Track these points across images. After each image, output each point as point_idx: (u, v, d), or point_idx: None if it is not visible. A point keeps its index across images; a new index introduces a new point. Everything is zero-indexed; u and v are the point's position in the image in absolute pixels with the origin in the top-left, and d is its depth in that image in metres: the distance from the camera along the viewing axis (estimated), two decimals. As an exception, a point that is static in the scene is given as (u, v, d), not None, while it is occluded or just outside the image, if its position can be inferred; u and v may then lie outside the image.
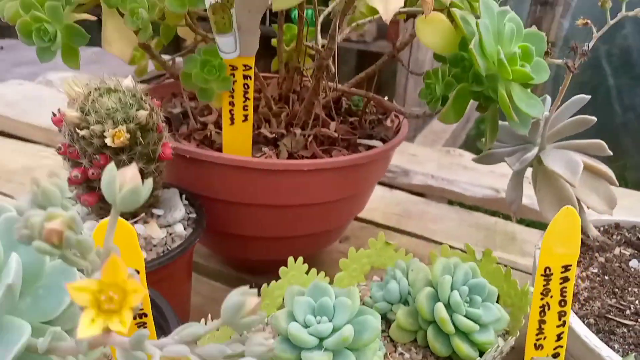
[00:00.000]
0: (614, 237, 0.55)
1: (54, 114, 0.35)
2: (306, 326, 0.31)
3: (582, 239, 0.51)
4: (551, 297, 0.34)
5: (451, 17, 0.43)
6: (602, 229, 0.55)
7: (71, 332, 0.21)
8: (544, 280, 0.34)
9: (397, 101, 0.64)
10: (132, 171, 0.16)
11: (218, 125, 0.52)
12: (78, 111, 0.33)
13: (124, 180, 0.16)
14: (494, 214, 0.81)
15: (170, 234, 0.41)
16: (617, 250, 0.52)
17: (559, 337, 0.35)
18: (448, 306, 0.38)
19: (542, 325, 0.34)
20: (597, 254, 0.51)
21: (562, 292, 0.34)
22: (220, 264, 0.61)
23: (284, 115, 0.56)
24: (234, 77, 0.44)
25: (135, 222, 0.40)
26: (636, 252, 0.52)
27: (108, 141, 0.33)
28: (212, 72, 0.43)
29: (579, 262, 0.49)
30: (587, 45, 0.44)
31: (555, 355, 0.35)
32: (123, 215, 0.39)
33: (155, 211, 0.42)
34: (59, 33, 0.39)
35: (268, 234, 0.50)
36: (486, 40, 0.39)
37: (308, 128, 0.54)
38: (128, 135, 0.33)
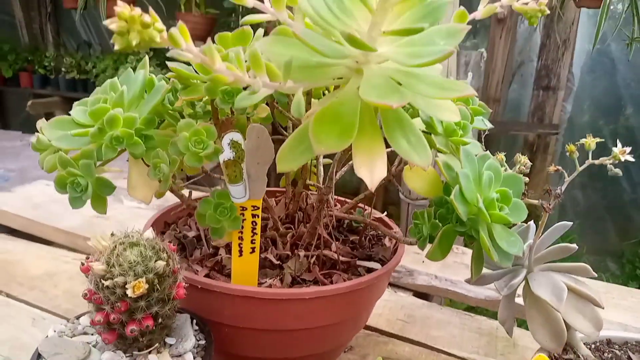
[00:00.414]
0: (605, 354, 0.57)
1: (82, 263, 0.40)
2: None
3: (572, 358, 0.54)
4: None
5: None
6: (593, 346, 0.58)
7: None
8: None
9: (402, 211, 0.69)
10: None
11: (229, 248, 0.57)
12: (104, 264, 0.38)
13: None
14: (496, 314, 0.83)
15: (182, 364, 0.45)
16: (605, 370, 0.54)
17: None
18: None
19: None
20: (585, 375, 0.53)
21: None
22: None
23: (290, 235, 0.60)
24: (243, 216, 0.49)
25: (150, 352, 0.44)
26: (624, 371, 0.54)
27: (129, 292, 0.37)
28: (224, 213, 0.48)
29: (568, 382, 0.52)
30: (560, 189, 0.48)
31: None
32: (139, 347, 0.43)
33: (168, 340, 0.46)
34: (90, 185, 0.45)
35: (273, 355, 0.54)
36: (466, 188, 0.44)
37: (312, 249, 0.58)
38: (147, 286, 0.38)
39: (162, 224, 0.65)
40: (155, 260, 0.39)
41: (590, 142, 0.52)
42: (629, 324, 0.79)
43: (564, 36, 3.14)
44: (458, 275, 0.94)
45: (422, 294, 0.93)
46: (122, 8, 0.26)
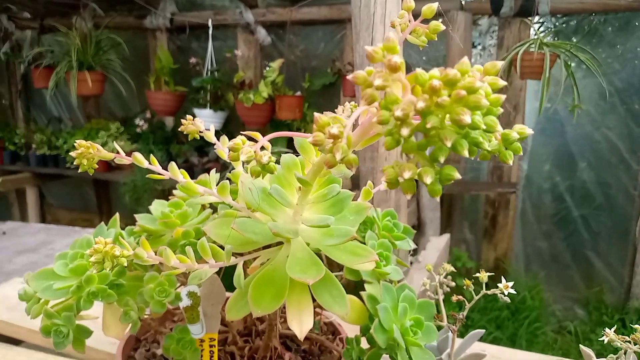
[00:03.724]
0: None
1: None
2: None
3: None
4: None
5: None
6: None
7: None
8: None
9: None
10: None
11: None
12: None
13: None
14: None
15: None
16: None
17: None
18: None
19: None
20: None
21: None
22: None
23: (247, 349, 0.69)
24: (202, 347, 0.58)
25: None
26: None
27: None
28: (185, 346, 0.57)
29: None
30: (463, 314, 0.59)
31: None
32: None
33: None
34: (71, 332, 0.54)
35: None
36: (384, 320, 0.54)
37: (266, 361, 0.67)
38: None
39: (134, 340, 0.73)
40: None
41: (483, 276, 0.62)
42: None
43: (514, 102, 3.36)
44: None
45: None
46: (99, 243, 0.36)
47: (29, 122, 4.23)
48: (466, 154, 0.26)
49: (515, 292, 0.62)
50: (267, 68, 3.12)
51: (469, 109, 0.23)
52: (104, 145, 3.48)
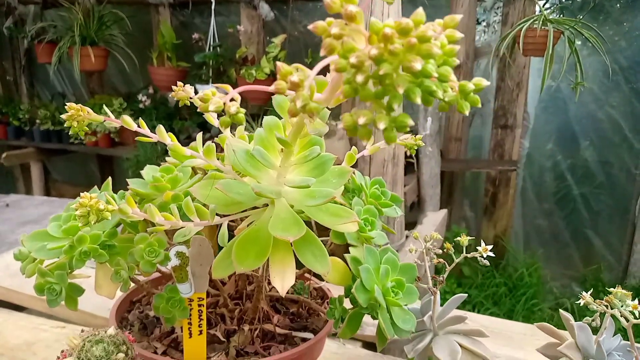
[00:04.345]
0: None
1: (58, 357, 0.51)
2: None
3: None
4: None
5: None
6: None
7: None
8: None
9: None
10: None
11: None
12: (76, 358, 0.49)
13: None
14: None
15: None
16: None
17: None
18: None
19: None
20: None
21: None
22: None
23: (237, 311, 0.72)
24: (190, 306, 0.60)
25: None
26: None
27: (96, 382, 0.48)
28: (175, 305, 0.59)
29: None
30: (443, 277, 0.61)
31: None
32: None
33: (131, 412, 0.57)
34: (63, 290, 0.56)
35: (221, 417, 0.64)
36: (366, 280, 0.56)
37: (255, 323, 0.70)
38: (110, 376, 0.49)
39: (128, 302, 0.76)
40: (117, 354, 0.50)
41: (464, 240, 0.64)
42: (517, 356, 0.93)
43: (517, 79, 3.34)
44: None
45: (373, 344, 1.05)
46: (84, 197, 0.38)
47: (32, 98, 4.25)
48: (419, 101, 0.27)
49: (490, 256, 0.64)
50: (270, 44, 3.11)
51: (421, 57, 0.25)
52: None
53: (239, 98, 0.36)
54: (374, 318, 0.60)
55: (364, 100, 0.26)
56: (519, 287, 3.08)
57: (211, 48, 3.22)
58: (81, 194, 0.40)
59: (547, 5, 3.16)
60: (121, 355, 0.51)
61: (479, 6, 3.44)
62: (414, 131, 3.25)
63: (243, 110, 0.36)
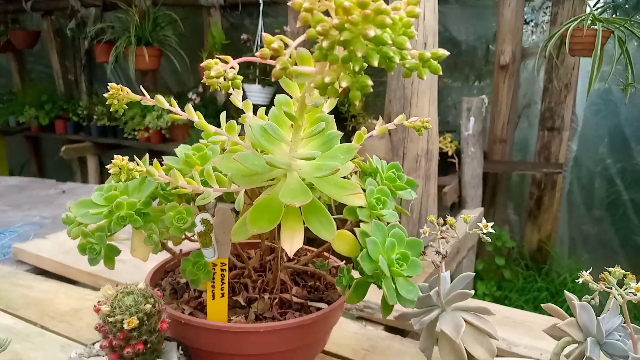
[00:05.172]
0: (506, 378, 0.72)
1: (95, 306, 0.58)
2: None
3: (472, 381, 0.69)
4: None
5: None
6: (496, 372, 0.73)
7: None
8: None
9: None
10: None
11: (210, 293, 0.75)
12: (109, 307, 0.56)
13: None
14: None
15: (167, 380, 0.62)
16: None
17: None
18: None
19: None
20: (480, 393, 0.68)
21: None
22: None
23: (260, 282, 0.78)
24: (214, 270, 0.67)
25: (144, 371, 0.62)
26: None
27: (125, 326, 0.55)
28: (200, 268, 0.66)
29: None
30: (446, 250, 0.65)
31: None
32: (136, 366, 0.61)
33: (158, 361, 0.64)
34: (102, 250, 0.63)
35: (240, 374, 0.70)
36: (372, 251, 0.61)
37: (274, 292, 0.76)
38: (137, 322, 0.55)
39: (162, 271, 0.83)
40: (145, 304, 0.57)
41: (467, 217, 0.68)
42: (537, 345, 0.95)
43: (566, 80, 3.29)
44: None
45: (399, 330, 1.09)
46: (116, 159, 0.45)
47: (91, 95, 4.48)
48: (376, 63, 0.32)
49: (491, 230, 0.67)
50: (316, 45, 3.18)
51: (375, 26, 0.29)
52: (158, 117, 3.66)
53: (237, 66, 0.42)
54: (379, 287, 0.65)
55: (332, 63, 0.31)
56: (561, 292, 3.03)
57: (258, 48, 3.32)
58: (114, 156, 0.47)
59: (599, 5, 3.10)
60: (149, 306, 0.57)
61: (527, 6, 3.40)
62: (455, 130, 3.25)
63: (240, 77, 0.42)
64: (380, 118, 0.69)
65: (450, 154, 3.02)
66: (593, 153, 3.43)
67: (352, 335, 1.01)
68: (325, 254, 0.87)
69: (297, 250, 0.90)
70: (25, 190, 2.05)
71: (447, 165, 3.05)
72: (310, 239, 0.71)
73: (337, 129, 0.66)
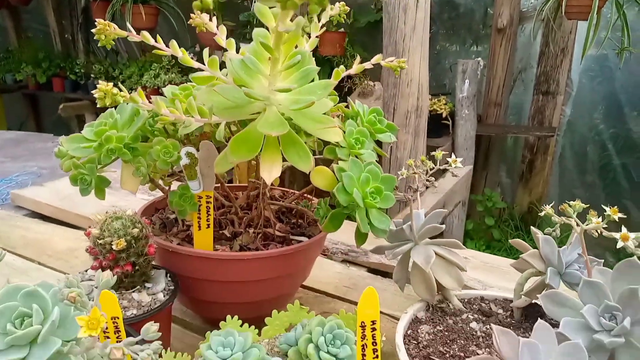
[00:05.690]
0: (474, 306, 0.77)
1: (86, 230, 0.63)
2: (216, 352, 0.56)
3: (442, 307, 0.74)
4: (366, 339, 0.57)
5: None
6: (465, 300, 0.78)
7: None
8: (362, 330, 0.57)
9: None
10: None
11: (197, 227, 0.79)
12: (99, 230, 0.61)
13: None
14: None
15: (154, 300, 0.67)
16: (465, 315, 0.74)
17: (374, 366, 0.58)
18: (317, 347, 0.61)
19: (364, 357, 0.58)
20: (448, 317, 0.73)
21: (373, 336, 0.57)
22: (194, 318, 0.86)
23: (245, 218, 0.82)
24: (200, 202, 0.71)
25: (133, 291, 0.66)
26: (480, 317, 0.74)
27: (114, 247, 0.59)
28: (186, 200, 0.70)
29: (432, 322, 0.72)
30: (417, 185, 0.69)
31: (373, 378, 0.58)
32: (126, 286, 0.65)
33: (147, 284, 0.68)
34: (93, 180, 0.67)
35: (225, 300, 0.75)
36: (347, 184, 0.65)
37: (259, 227, 0.80)
38: (125, 244, 0.60)
39: (153, 209, 0.88)
40: (132, 228, 0.62)
41: (438, 154, 0.72)
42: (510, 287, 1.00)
43: (562, 44, 3.29)
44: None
45: (381, 272, 1.14)
46: (101, 85, 0.48)
47: (88, 54, 4.47)
48: None
49: (461, 166, 0.71)
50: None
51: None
52: (155, 76, 3.66)
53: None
54: (353, 218, 0.69)
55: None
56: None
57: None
58: (99, 81, 0.51)
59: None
60: (136, 230, 0.62)
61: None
62: (451, 93, 3.26)
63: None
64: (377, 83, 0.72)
65: (444, 116, 3.04)
66: (587, 118, 3.45)
67: (336, 274, 1.07)
68: (309, 196, 0.91)
69: (283, 192, 0.95)
70: (23, 143, 2.09)
71: (441, 127, 3.08)
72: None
73: (334, 90, 0.71)
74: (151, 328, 0.42)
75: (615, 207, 0.64)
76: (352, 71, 0.69)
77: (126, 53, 4.35)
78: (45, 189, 1.41)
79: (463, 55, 3.70)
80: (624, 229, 0.59)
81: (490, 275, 1.10)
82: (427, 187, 0.71)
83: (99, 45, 0.65)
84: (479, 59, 3.04)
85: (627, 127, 3.39)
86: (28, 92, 4.58)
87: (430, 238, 0.77)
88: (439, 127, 3.00)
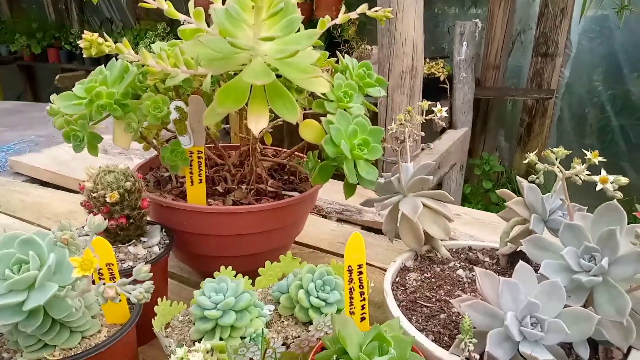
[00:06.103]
0: (461, 255, 0.79)
1: (80, 184, 0.64)
2: (209, 297, 0.58)
3: (430, 256, 0.76)
4: (354, 282, 0.59)
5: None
6: (454, 250, 0.80)
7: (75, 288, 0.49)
8: (349, 273, 0.59)
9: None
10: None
11: (191, 184, 0.80)
12: (92, 183, 0.62)
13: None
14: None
15: (150, 252, 0.69)
16: (452, 264, 0.76)
17: (362, 307, 0.60)
18: (307, 292, 0.63)
19: (352, 300, 0.60)
20: (435, 266, 0.75)
21: (360, 280, 0.59)
22: (191, 274, 0.88)
23: (238, 175, 0.84)
24: (191, 157, 0.72)
25: (129, 245, 0.68)
26: (467, 264, 0.76)
27: (108, 199, 0.61)
28: (177, 155, 0.71)
29: (420, 269, 0.74)
30: (404, 137, 0.70)
31: (362, 318, 0.60)
32: (122, 239, 0.67)
33: (142, 238, 0.70)
34: (85, 137, 0.68)
35: (219, 254, 0.77)
36: (334, 136, 0.66)
37: (251, 184, 0.82)
38: (118, 196, 0.61)
39: (147, 167, 0.89)
40: (125, 181, 0.63)
41: (424, 104, 0.72)
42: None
43: (562, 4, 3.24)
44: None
45: (375, 230, 1.16)
46: (86, 34, 0.49)
47: (83, 24, 4.42)
48: None
49: (446, 115, 0.72)
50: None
51: None
52: (151, 45, 3.63)
53: None
54: (341, 169, 0.70)
55: None
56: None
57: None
58: (85, 30, 0.51)
59: None
60: (129, 183, 0.63)
61: None
62: (449, 57, 3.24)
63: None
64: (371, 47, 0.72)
65: (442, 79, 3.03)
66: (585, 80, 3.43)
67: (330, 232, 1.09)
68: (300, 154, 0.92)
69: (275, 151, 0.96)
70: (20, 112, 2.10)
71: (439, 90, 3.06)
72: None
73: (331, 55, 0.72)
74: (142, 268, 0.44)
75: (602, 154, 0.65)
76: (337, 21, 0.69)
77: (121, 22, 4.31)
78: (42, 156, 1.42)
79: (462, 18, 3.66)
80: (603, 172, 0.61)
81: (481, 230, 1.12)
82: (422, 149, 0.72)
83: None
84: (477, 20, 3.01)
85: (626, 89, 3.38)
86: (23, 63, 4.55)
87: (419, 190, 0.78)
88: (436, 91, 2.99)
